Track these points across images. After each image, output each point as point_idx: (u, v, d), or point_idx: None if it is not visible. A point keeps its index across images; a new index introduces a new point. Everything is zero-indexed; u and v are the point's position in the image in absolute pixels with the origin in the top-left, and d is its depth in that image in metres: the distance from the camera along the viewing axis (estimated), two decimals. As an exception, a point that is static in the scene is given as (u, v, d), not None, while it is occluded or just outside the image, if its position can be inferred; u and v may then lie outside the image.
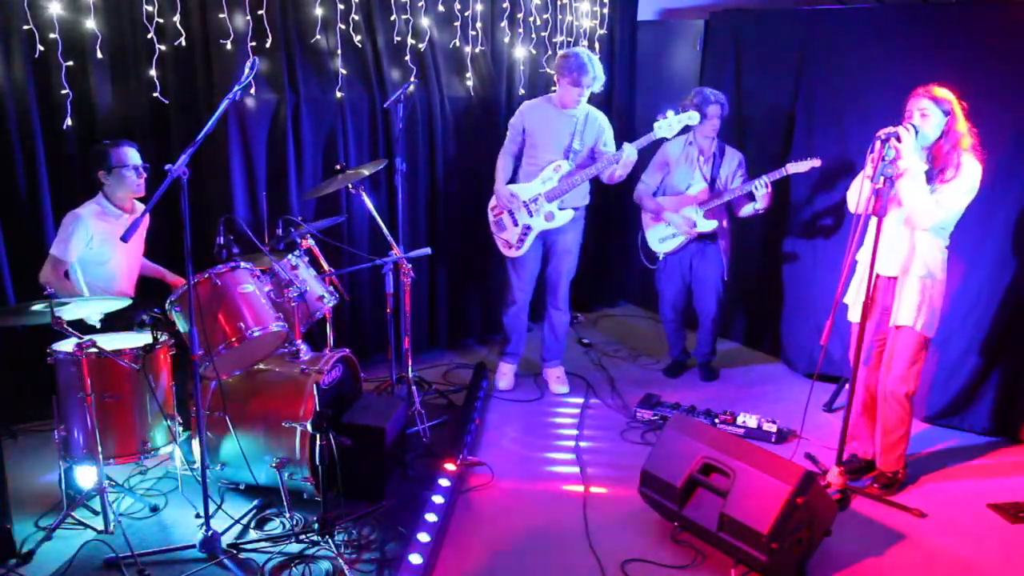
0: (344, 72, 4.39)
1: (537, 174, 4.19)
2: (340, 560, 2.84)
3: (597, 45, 5.48)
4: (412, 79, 4.56)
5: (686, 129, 4.14)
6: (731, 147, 4.51)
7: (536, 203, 4.18)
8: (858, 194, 3.14)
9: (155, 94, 3.91)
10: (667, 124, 3.99)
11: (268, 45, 4.08)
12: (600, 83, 4.07)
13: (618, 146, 4.09)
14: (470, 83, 4.90)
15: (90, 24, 3.71)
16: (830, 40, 4.46)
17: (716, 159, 4.43)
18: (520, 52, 5.06)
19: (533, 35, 5.12)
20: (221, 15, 3.94)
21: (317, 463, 3.00)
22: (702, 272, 4.55)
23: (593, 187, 4.40)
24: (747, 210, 4.33)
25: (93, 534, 2.98)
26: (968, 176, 3.13)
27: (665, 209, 4.48)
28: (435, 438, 3.86)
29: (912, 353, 3.30)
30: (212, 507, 2.91)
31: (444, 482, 3.31)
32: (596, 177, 4.18)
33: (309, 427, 3.10)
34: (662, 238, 4.54)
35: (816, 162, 4.11)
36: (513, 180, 4.30)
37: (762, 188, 4.16)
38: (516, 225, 4.25)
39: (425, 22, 4.63)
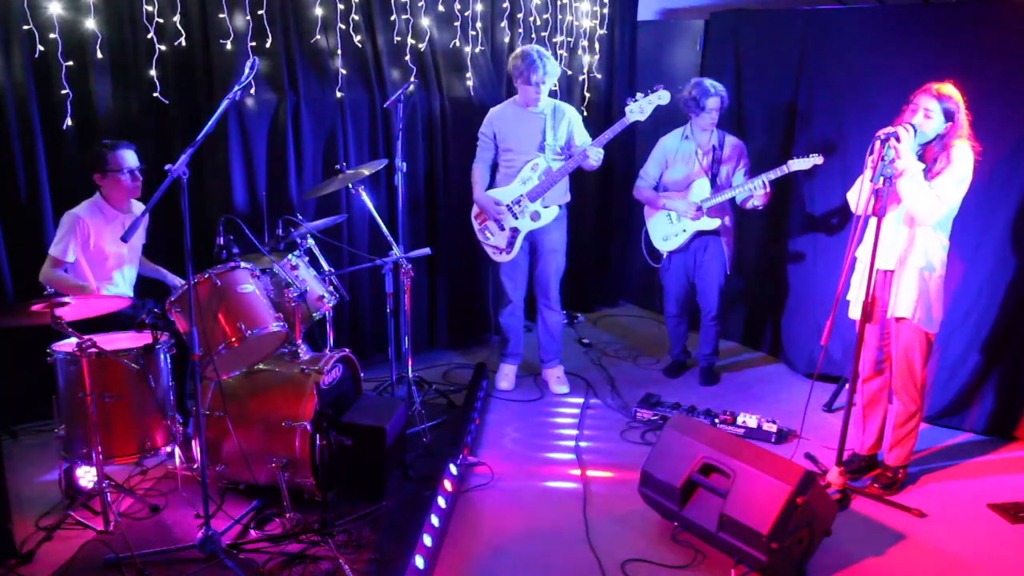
0: (344, 72, 4.38)
1: (515, 176, 4.19)
2: (340, 560, 2.84)
3: (597, 45, 5.49)
4: (412, 79, 4.56)
5: (679, 115, 4.08)
6: (731, 135, 4.47)
7: (520, 204, 4.18)
8: (858, 195, 3.14)
9: (155, 94, 3.91)
10: (638, 107, 3.97)
11: (268, 45, 4.08)
12: (554, 77, 4.07)
13: (600, 131, 4.11)
14: (470, 83, 4.90)
15: (90, 24, 3.71)
16: (830, 40, 4.45)
17: (716, 152, 4.38)
18: (520, 52, 5.06)
19: (533, 35, 5.12)
20: (221, 15, 3.94)
21: (317, 463, 3.00)
22: (705, 266, 4.52)
23: (587, 187, 4.39)
24: (749, 204, 4.30)
25: (93, 534, 2.98)
26: (960, 164, 3.11)
27: (668, 200, 4.43)
28: (435, 438, 3.86)
29: (917, 348, 3.30)
30: (212, 507, 2.91)
31: (445, 482, 3.31)
32: (602, 176, 4.17)
33: (309, 427, 3.10)
34: (666, 236, 4.53)
35: (819, 159, 4.06)
36: (492, 186, 4.29)
37: (760, 189, 4.15)
38: (503, 230, 4.24)
39: (425, 22, 4.63)
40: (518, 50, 4.10)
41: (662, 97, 3.98)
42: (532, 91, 4.05)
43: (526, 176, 4.17)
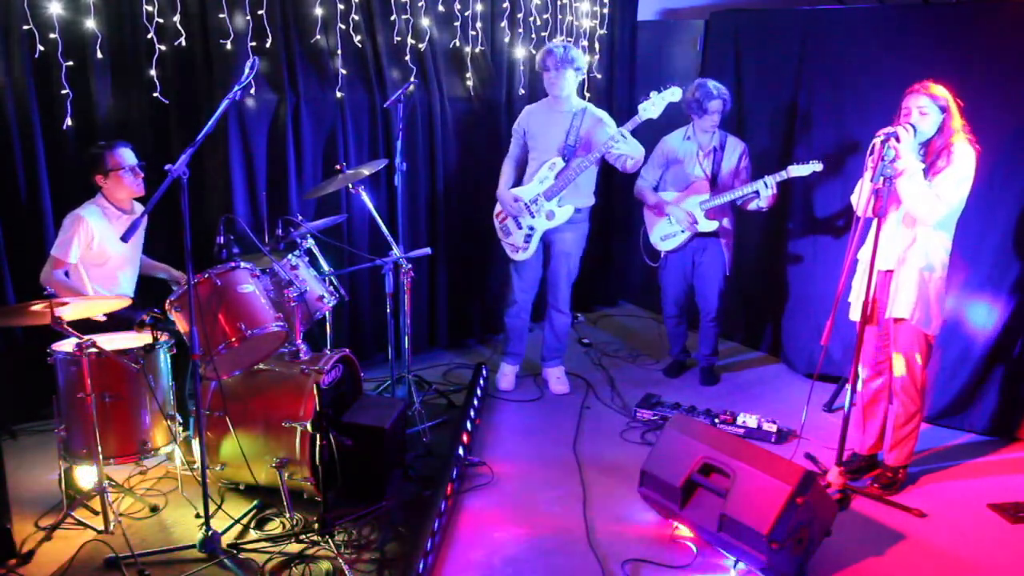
0: (344, 72, 4.38)
1: (535, 174, 4.21)
2: (340, 560, 2.84)
3: (597, 45, 5.48)
4: (412, 79, 4.56)
5: (681, 115, 4.08)
6: (734, 136, 4.46)
7: (536, 203, 4.19)
8: (859, 196, 3.14)
9: (155, 94, 3.91)
10: (651, 104, 3.96)
11: (268, 45, 4.08)
12: (576, 63, 4.07)
13: None
14: (470, 83, 4.90)
15: (90, 24, 3.71)
16: (830, 40, 4.45)
17: (716, 154, 4.38)
18: (520, 52, 5.06)
19: (533, 35, 5.12)
20: (221, 15, 3.94)
21: (317, 463, 3.00)
22: (704, 268, 4.52)
23: (597, 188, 4.39)
24: (752, 206, 4.29)
25: (93, 534, 2.98)
26: (962, 162, 3.11)
27: (667, 203, 4.45)
28: (435, 438, 3.86)
29: (916, 349, 3.30)
30: (212, 507, 2.91)
31: (445, 483, 3.30)
32: (604, 177, 4.17)
33: (309, 427, 3.10)
34: (664, 236, 4.53)
35: (818, 166, 4.04)
36: (519, 183, 4.31)
37: (767, 190, 4.13)
38: (520, 228, 4.26)
39: (425, 22, 4.63)
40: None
41: (674, 94, 3.97)
42: (550, 76, 4.06)
43: (544, 175, 4.18)
